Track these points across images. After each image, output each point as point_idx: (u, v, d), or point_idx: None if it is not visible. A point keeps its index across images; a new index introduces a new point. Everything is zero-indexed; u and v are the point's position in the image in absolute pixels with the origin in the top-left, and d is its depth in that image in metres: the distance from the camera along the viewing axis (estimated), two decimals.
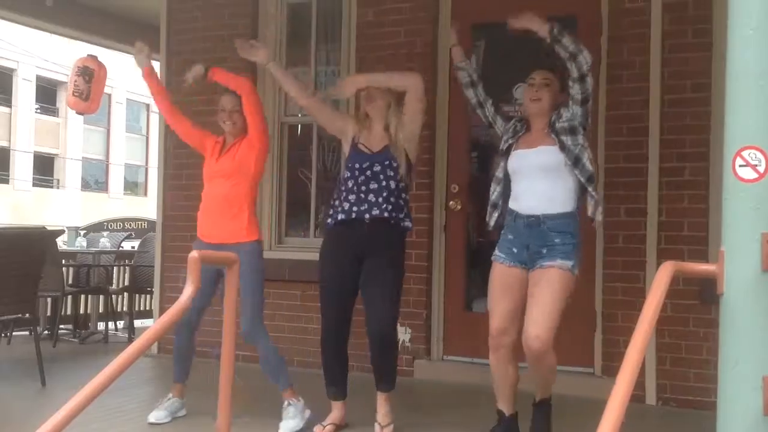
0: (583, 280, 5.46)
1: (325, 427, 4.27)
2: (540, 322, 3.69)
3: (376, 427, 4.25)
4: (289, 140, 6.70)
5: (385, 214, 4.24)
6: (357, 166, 4.31)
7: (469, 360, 5.77)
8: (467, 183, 6.01)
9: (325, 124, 4.69)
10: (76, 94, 4.74)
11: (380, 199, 4.25)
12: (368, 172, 4.28)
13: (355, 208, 4.27)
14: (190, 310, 4.02)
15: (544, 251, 3.82)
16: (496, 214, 4.07)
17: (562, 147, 3.85)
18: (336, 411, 4.35)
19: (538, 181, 3.88)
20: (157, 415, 4.49)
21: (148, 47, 4.78)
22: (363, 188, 4.28)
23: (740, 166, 2.35)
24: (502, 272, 3.94)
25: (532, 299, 3.80)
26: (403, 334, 5.89)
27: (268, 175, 6.58)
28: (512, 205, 3.98)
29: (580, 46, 3.85)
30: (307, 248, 6.42)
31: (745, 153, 2.34)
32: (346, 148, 4.47)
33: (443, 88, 5.99)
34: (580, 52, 3.83)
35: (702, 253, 4.99)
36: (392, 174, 4.28)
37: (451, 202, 5.97)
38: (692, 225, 5.14)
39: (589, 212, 3.91)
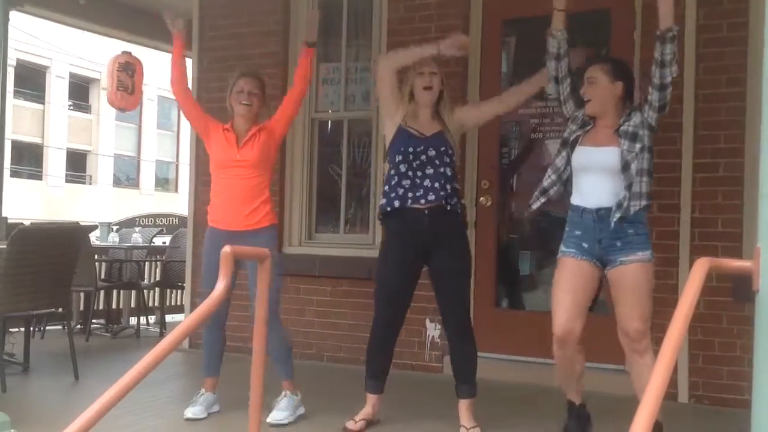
0: None
1: (357, 421, 4.26)
2: (633, 316, 3.74)
3: (462, 430, 4.17)
4: (320, 136, 6.71)
5: (443, 201, 4.18)
6: (410, 149, 4.21)
7: (498, 357, 5.75)
8: (498, 179, 5.99)
9: (386, 94, 4.40)
10: (121, 88, 4.79)
11: (437, 185, 4.18)
12: (423, 157, 4.20)
13: (410, 194, 4.19)
14: (222, 309, 4.09)
15: (619, 244, 3.76)
16: (543, 200, 3.98)
17: (627, 141, 3.78)
18: (369, 406, 4.32)
19: (607, 178, 3.82)
20: (194, 411, 4.48)
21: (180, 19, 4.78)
22: (419, 173, 4.20)
23: None
24: (573, 266, 3.83)
25: (619, 296, 3.79)
26: (433, 330, 5.88)
27: (298, 171, 6.62)
28: (577, 201, 3.89)
29: (676, 59, 3.80)
30: (337, 244, 6.44)
31: None
32: (391, 129, 4.32)
33: (474, 84, 5.96)
34: (672, 65, 3.78)
35: (736, 250, 4.93)
36: (447, 160, 4.22)
37: (481, 198, 5.95)
38: (726, 221, 5.08)
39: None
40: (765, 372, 2.30)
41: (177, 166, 34.89)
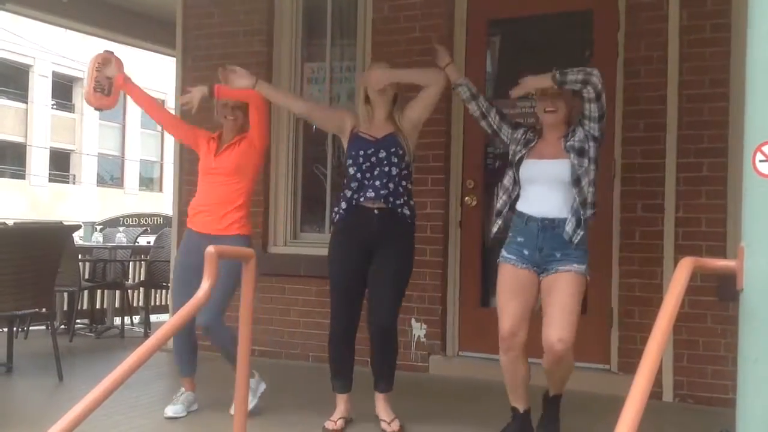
0: (600, 277, 5.45)
1: (336, 422, 4.27)
2: (562, 325, 3.75)
3: (383, 424, 4.23)
4: (305, 136, 6.70)
5: (382, 201, 4.22)
6: (361, 152, 4.27)
7: (484, 356, 5.76)
8: (483, 178, 5.99)
9: (323, 124, 4.73)
10: (98, 89, 4.75)
11: (378, 183, 4.22)
12: (373, 159, 4.25)
13: (356, 195, 4.25)
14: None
15: (558, 255, 3.84)
16: (500, 222, 4.07)
17: (575, 153, 3.88)
18: (342, 404, 4.34)
19: (554, 189, 3.89)
20: (174, 409, 4.50)
21: (108, 56, 4.79)
22: (367, 174, 4.25)
23: (760, 161, 2.32)
24: (512, 274, 3.93)
25: (550, 303, 3.83)
26: (419, 330, 5.88)
27: (283, 171, 6.61)
28: (523, 208, 3.96)
29: (587, 70, 3.85)
30: (322, 244, 6.37)
31: (765, 148, 2.31)
32: (345, 141, 4.42)
33: None
34: (590, 75, 3.83)
35: (720, 250, 4.96)
36: (396, 160, 4.25)
37: (466, 198, 5.96)
38: (710, 221, 5.11)
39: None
40: (749, 371, 2.31)
41: (161, 165, 34.77)
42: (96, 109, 4.84)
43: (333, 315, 4.34)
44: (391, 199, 4.23)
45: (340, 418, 4.29)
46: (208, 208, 4.58)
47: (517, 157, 4.03)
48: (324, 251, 6.26)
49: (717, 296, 4.98)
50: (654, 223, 5.27)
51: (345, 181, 4.39)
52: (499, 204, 4.10)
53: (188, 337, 4.63)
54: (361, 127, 4.35)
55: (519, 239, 3.94)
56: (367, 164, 4.25)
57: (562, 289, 3.81)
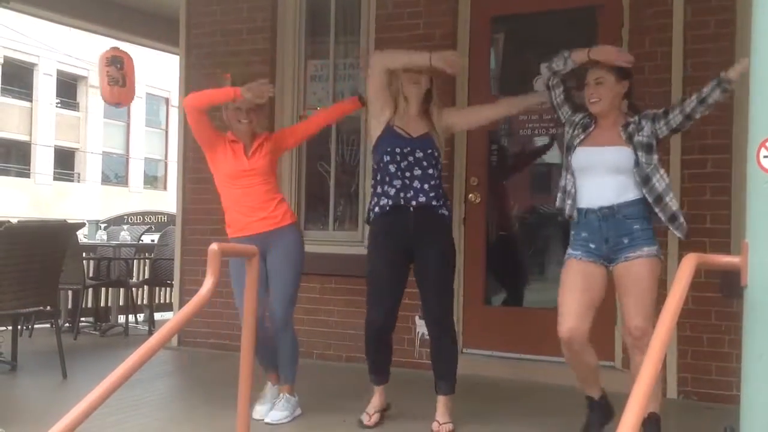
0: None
1: (371, 415, 4.28)
2: (636, 313, 3.74)
3: (434, 424, 4.20)
4: (313, 135, 6.68)
5: (433, 203, 4.19)
6: (398, 150, 4.21)
7: (488, 353, 5.76)
8: (487, 176, 5.98)
9: (375, 91, 4.37)
10: (111, 83, 4.76)
11: (427, 186, 4.19)
12: (410, 158, 4.20)
13: (402, 194, 4.20)
14: (259, 306, 4.05)
15: (626, 241, 3.78)
16: (570, 202, 3.93)
17: (636, 161, 3.79)
18: (378, 397, 4.35)
19: (609, 176, 3.82)
20: (270, 414, 4.44)
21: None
22: (407, 174, 4.20)
23: (764, 157, 2.31)
24: (579, 269, 3.84)
25: (623, 292, 3.81)
26: (422, 328, 5.87)
27: (287, 169, 6.61)
28: (580, 203, 3.88)
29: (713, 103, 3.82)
30: (326, 241, 6.42)
31: None
32: (376, 129, 4.32)
33: (462, 80, 5.96)
34: (710, 108, 3.83)
35: (725, 246, 4.95)
36: (434, 162, 4.23)
37: (470, 195, 5.95)
38: (715, 217, 5.10)
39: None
40: (753, 367, 2.30)
41: (166, 163, 34.79)
42: (114, 104, 4.84)
43: (371, 312, 4.30)
44: (436, 202, 4.22)
45: (376, 411, 4.30)
46: (255, 210, 4.47)
47: (574, 142, 3.93)
48: (328, 249, 6.32)
49: (721, 292, 4.97)
50: (658, 220, 5.24)
51: (382, 173, 4.28)
52: (569, 186, 3.95)
53: (263, 333, 4.50)
54: (396, 121, 4.29)
55: (583, 234, 3.86)
56: (405, 163, 4.21)
57: (635, 278, 3.76)
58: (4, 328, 6.09)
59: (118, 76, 4.73)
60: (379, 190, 4.28)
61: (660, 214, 3.80)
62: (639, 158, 3.77)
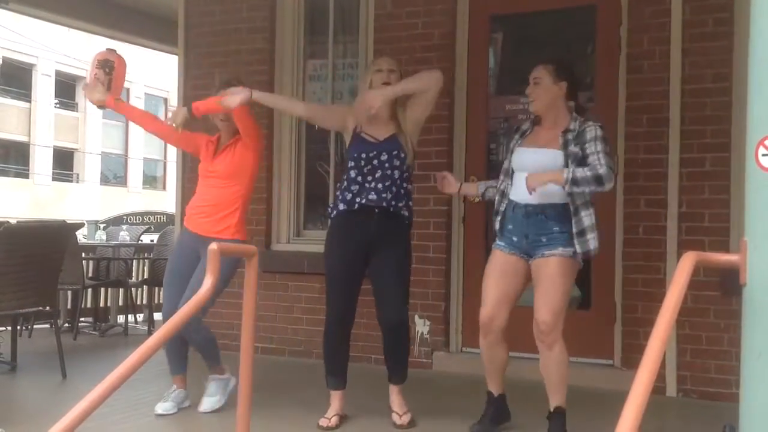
0: (602, 271, 5.46)
1: (330, 419, 4.28)
2: (545, 308, 3.86)
3: (394, 416, 4.27)
4: (307, 133, 6.70)
5: (384, 204, 4.23)
6: (363, 155, 4.28)
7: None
8: (486, 174, 5.97)
9: (325, 123, 4.74)
10: (96, 85, 4.76)
11: (381, 186, 4.24)
12: (375, 161, 4.26)
13: (358, 199, 4.26)
14: (176, 304, 4.22)
15: (544, 240, 3.92)
16: (506, 201, 4.10)
17: (565, 149, 3.91)
18: (336, 401, 4.36)
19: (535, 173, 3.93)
20: (164, 407, 4.52)
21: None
22: (368, 178, 4.26)
23: (763, 155, 2.31)
24: (500, 259, 4.05)
25: (536, 288, 3.94)
26: (422, 326, 5.88)
27: (286, 168, 6.61)
28: (512, 195, 4.05)
29: (597, 174, 3.79)
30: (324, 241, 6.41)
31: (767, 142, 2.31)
32: (347, 139, 4.43)
33: (461, 80, 5.97)
34: (599, 180, 3.81)
35: (723, 244, 4.95)
36: (398, 164, 4.27)
37: None
38: (713, 216, 5.10)
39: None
40: (753, 365, 2.31)
41: (165, 164, 34.79)
42: (98, 106, 4.84)
43: (329, 309, 4.35)
44: (393, 203, 4.25)
45: (334, 415, 4.30)
46: (204, 210, 4.59)
47: (513, 146, 4.13)
48: None
49: (720, 291, 4.98)
50: (657, 218, 5.26)
51: (344, 180, 4.38)
52: (503, 186, 4.13)
53: (177, 335, 4.59)
54: (364, 128, 4.35)
55: (509, 227, 4.04)
56: (369, 167, 4.26)
57: (547, 274, 3.89)
58: (3, 328, 6.08)
59: (106, 80, 4.71)
60: (339, 194, 4.37)
61: (573, 225, 3.91)
62: (569, 166, 3.87)
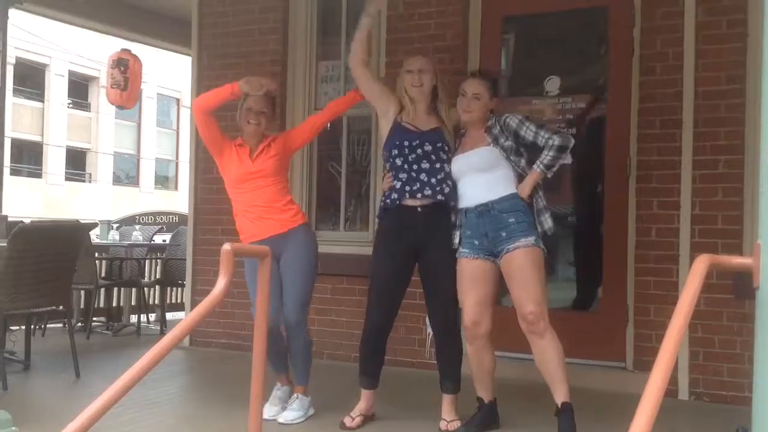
0: (615, 274, 5.45)
1: (354, 418, 4.27)
2: (527, 300, 3.94)
3: (442, 423, 4.24)
4: (319, 134, 6.69)
5: (440, 197, 4.16)
6: (406, 143, 4.20)
7: (497, 354, 5.73)
8: None
9: (372, 96, 4.44)
10: (114, 86, 4.80)
11: (434, 180, 4.16)
12: (419, 150, 4.19)
13: (407, 188, 4.18)
14: (274, 313, 4.19)
15: (504, 234, 4.00)
16: (458, 213, 4.22)
17: (496, 143, 4.08)
18: (364, 401, 4.34)
19: (477, 176, 4.10)
20: (278, 411, 4.46)
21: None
22: (414, 167, 4.18)
23: None
24: (466, 266, 4.12)
25: (511, 284, 4.03)
26: (429, 327, 5.87)
27: (298, 169, 6.62)
28: (461, 204, 4.17)
29: (556, 146, 3.95)
30: (337, 242, 6.43)
31: None
32: (386, 128, 4.34)
33: None
34: (563, 149, 3.97)
35: (736, 247, 4.94)
36: (444, 157, 4.20)
37: None
38: (727, 218, 5.09)
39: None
40: (765, 369, 2.30)
41: (177, 164, 34.88)
42: (117, 106, 4.87)
43: (372, 310, 4.29)
44: (439, 197, 4.17)
45: (359, 414, 4.29)
46: (264, 212, 4.44)
47: (452, 158, 4.26)
48: (339, 249, 6.32)
49: (733, 294, 4.96)
50: (670, 221, 5.25)
51: (388, 168, 4.32)
52: (455, 219, 4.23)
53: (278, 338, 4.51)
54: (404, 118, 4.29)
55: (467, 233, 4.13)
56: (413, 156, 4.20)
57: (517, 267, 3.97)
58: (17, 327, 6.12)
59: (121, 79, 4.75)
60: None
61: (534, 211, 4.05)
62: (510, 160, 4.05)
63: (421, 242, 4.20)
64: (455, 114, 4.29)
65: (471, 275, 4.10)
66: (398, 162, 4.23)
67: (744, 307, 4.78)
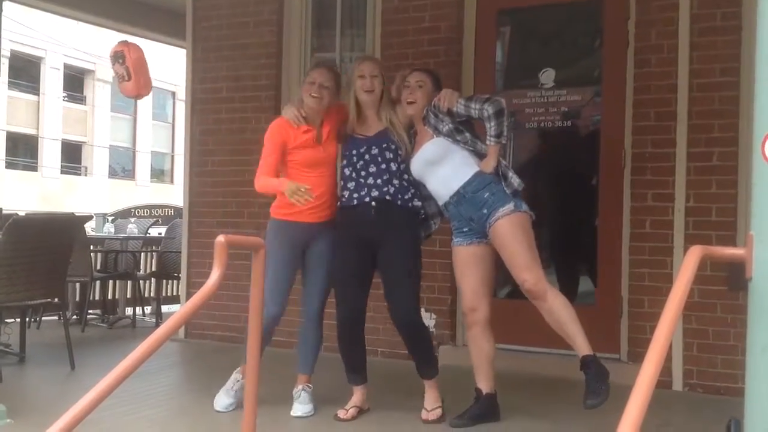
0: (609, 266, 5.46)
1: (348, 410, 4.30)
2: (517, 268, 3.98)
3: (423, 412, 4.27)
4: None
5: (387, 197, 4.22)
6: (354, 152, 4.29)
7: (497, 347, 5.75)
8: None
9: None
10: (120, 79, 4.81)
11: (380, 181, 4.23)
12: (366, 156, 4.26)
13: (355, 194, 4.26)
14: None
15: (485, 211, 4.05)
16: (444, 211, 4.31)
17: (438, 132, 4.13)
18: (358, 395, 4.37)
19: (437, 169, 4.14)
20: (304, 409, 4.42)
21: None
22: (362, 173, 4.26)
23: None
24: (461, 253, 4.18)
25: (501, 255, 4.07)
26: (428, 320, 5.88)
27: None
28: (440, 202, 4.22)
29: (492, 114, 4.01)
30: None
31: None
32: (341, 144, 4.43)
33: (468, 74, 5.96)
34: (500, 113, 4.01)
35: (730, 239, 4.95)
36: (391, 156, 4.26)
37: None
38: (721, 210, 5.10)
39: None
40: (758, 360, 2.31)
41: (172, 157, 34.85)
42: (134, 98, 4.89)
43: (339, 308, 4.32)
44: (399, 195, 4.24)
45: (352, 406, 4.32)
46: (319, 199, 4.30)
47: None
48: None
49: (727, 285, 4.97)
50: (664, 213, 5.26)
51: (341, 181, 4.38)
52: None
53: (315, 332, 4.51)
54: (356, 128, 4.35)
55: (455, 224, 4.21)
56: (361, 162, 4.27)
57: (501, 236, 4.01)
58: (12, 319, 6.12)
59: (122, 71, 4.75)
60: (339, 192, 4.39)
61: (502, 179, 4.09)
62: (458, 141, 4.11)
63: (373, 236, 4.24)
64: (404, 112, 4.31)
65: (465, 262, 4.17)
66: (347, 172, 4.33)
67: (738, 298, 4.79)
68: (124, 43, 4.89)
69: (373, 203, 4.23)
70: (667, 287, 4.87)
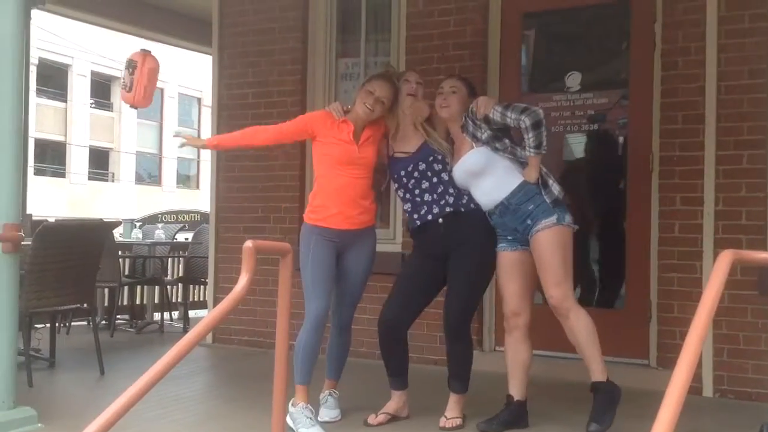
0: (638, 270, 5.42)
1: (378, 415, 4.28)
2: (547, 283, 4.00)
3: (441, 420, 4.23)
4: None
5: (448, 208, 4.19)
6: (402, 173, 4.27)
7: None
8: None
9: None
10: (123, 87, 4.85)
11: (435, 196, 4.20)
12: (416, 174, 4.24)
13: (415, 215, 4.26)
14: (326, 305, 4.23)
15: (529, 222, 4.04)
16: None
17: (477, 141, 4.11)
18: (394, 401, 4.34)
19: (481, 180, 4.12)
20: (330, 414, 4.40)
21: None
22: (416, 191, 4.25)
23: None
24: (505, 259, 4.17)
25: (536, 265, 4.06)
26: None
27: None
28: (484, 208, 4.19)
29: (530, 125, 3.94)
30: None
31: None
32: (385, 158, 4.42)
33: (493, 78, 5.95)
34: (538, 125, 3.95)
35: (761, 243, 4.90)
36: (440, 167, 4.23)
37: None
38: (751, 214, 5.04)
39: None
40: None
41: (198, 163, 35.06)
42: (131, 106, 4.92)
43: (383, 308, 4.29)
44: (460, 202, 4.20)
45: (384, 412, 4.29)
46: (349, 203, 4.27)
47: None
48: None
49: (758, 290, 4.92)
50: (693, 217, 5.21)
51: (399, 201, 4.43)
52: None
53: (338, 338, 4.50)
54: (395, 147, 4.33)
55: (499, 231, 4.19)
56: (412, 182, 4.25)
57: (539, 250, 4.02)
58: (42, 325, 6.18)
59: (128, 80, 4.78)
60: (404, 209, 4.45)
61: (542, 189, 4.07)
62: (498, 149, 4.09)
63: (445, 253, 4.22)
64: (439, 120, 4.29)
65: (508, 268, 4.16)
66: (400, 194, 4.35)
67: None
68: (140, 53, 4.91)
69: (440, 220, 4.20)
70: (696, 292, 4.85)
